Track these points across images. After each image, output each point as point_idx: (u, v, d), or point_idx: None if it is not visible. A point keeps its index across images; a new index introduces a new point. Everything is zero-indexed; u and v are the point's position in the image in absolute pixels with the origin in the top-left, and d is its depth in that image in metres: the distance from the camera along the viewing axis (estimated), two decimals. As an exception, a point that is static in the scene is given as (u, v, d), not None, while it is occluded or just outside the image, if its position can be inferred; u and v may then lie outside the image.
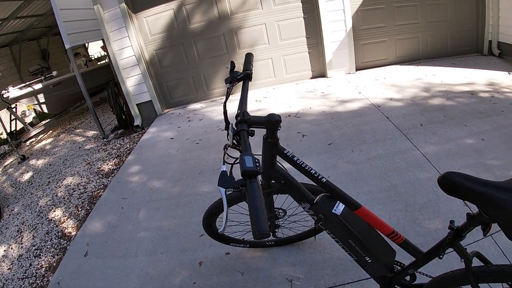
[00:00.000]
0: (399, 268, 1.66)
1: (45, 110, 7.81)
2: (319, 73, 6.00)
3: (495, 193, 1.16)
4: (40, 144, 7.13)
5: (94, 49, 13.20)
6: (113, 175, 4.52)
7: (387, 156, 3.53)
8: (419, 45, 6.29)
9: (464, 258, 1.34)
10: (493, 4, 6.16)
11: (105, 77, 7.94)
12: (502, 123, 4.07)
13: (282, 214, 2.15)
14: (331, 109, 4.76)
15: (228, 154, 1.34)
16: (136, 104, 5.93)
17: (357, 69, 6.06)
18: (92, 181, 4.55)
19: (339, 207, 1.51)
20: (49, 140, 7.20)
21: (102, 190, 4.19)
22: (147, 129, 5.62)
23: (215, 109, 5.56)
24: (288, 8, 5.56)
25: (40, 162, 5.96)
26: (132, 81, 5.76)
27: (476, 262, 1.33)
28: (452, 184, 1.21)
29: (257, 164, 1.11)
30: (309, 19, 5.63)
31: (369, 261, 1.58)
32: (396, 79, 5.60)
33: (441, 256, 1.42)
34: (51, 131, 7.96)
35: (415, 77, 5.62)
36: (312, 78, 6.01)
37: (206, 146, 4.43)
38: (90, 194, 4.23)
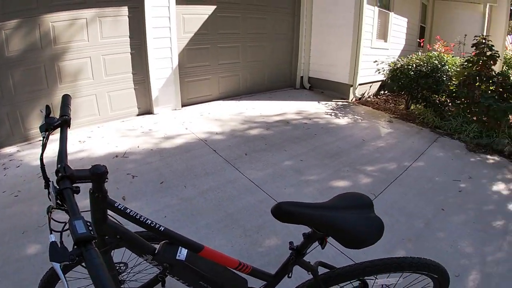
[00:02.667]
0: None
1: None
2: (146, 110, 5.87)
3: (323, 213, 1.38)
4: None
5: None
6: None
7: (218, 187, 3.65)
8: (239, 82, 6.97)
9: (310, 270, 1.47)
10: (305, 46, 7.63)
11: None
12: (316, 145, 4.92)
13: (124, 267, 1.95)
14: (160, 146, 4.69)
15: (53, 219, 1.13)
16: None
17: (183, 105, 6.20)
18: None
19: (183, 253, 1.48)
20: None
21: None
22: None
23: (34, 152, 4.76)
24: (116, 42, 5.31)
25: None
26: None
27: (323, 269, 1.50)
28: (285, 213, 1.36)
29: (90, 227, 0.96)
30: (136, 55, 5.51)
31: None
32: (220, 114, 5.99)
33: (289, 275, 1.52)
34: None
35: (237, 111, 6.14)
36: (138, 115, 5.82)
37: (27, 198, 3.68)
38: None
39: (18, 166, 4.40)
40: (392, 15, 8.09)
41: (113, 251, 1.74)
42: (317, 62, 7.72)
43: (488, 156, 5.12)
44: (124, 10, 5.26)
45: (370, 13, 7.13)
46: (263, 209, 3.23)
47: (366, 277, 1.59)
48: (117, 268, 1.88)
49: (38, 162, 4.12)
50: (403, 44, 9.23)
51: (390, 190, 3.91)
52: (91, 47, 5.16)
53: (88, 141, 4.95)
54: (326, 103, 7.09)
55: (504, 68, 10.40)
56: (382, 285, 1.70)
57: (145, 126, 5.37)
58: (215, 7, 6.23)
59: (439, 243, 3.04)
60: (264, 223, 3.00)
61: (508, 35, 14.38)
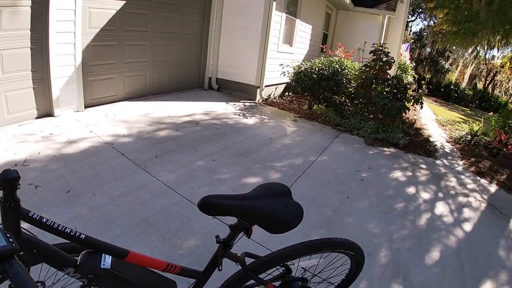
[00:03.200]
0: None
1: None
2: (46, 112, 5.38)
3: (246, 203, 1.50)
4: None
5: None
6: None
7: (130, 192, 3.59)
8: (147, 82, 6.79)
9: (238, 261, 1.58)
10: (214, 47, 7.77)
11: None
12: (226, 144, 5.13)
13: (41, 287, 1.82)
14: (63, 152, 4.39)
15: None
16: None
17: (86, 107, 5.85)
18: None
19: (107, 260, 1.40)
20: None
21: None
22: None
23: None
24: (15, 35, 4.72)
25: None
26: None
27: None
28: (211, 206, 1.43)
29: (11, 239, 0.90)
30: (36, 50, 4.98)
31: None
32: (126, 115, 5.81)
33: (220, 268, 1.59)
34: None
35: (144, 112, 6.04)
36: (38, 117, 5.30)
37: None
38: None
39: None
40: (298, 21, 8.68)
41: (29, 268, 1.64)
42: (226, 64, 7.94)
43: (385, 149, 5.97)
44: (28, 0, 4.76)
45: (278, 18, 7.56)
46: (178, 211, 3.29)
47: (289, 262, 1.72)
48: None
49: None
50: (307, 49, 10.03)
51: (299, 183, 4.33)
52: (-15, 41, 4.58)
53: (-21, 149, 4.46)
54: (234, 104, 7.37)
55: (398, 72, 11.84)
56: (305, 267, 1.89)
57: (46, 130, 4.96)
58: (124, 2, 5.97)
59: (348, 227, 3.53)
60: (181, 225, 3.06)
61: (403, 44, 16.37)
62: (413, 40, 33.47)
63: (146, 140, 4.88)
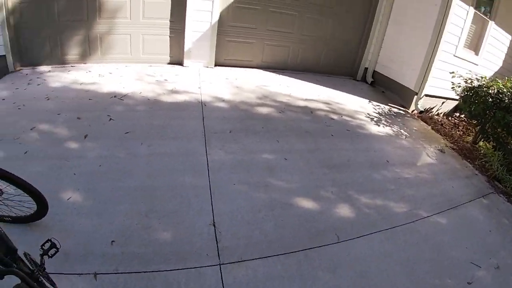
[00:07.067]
0: None
1: None
2: (177, 60, 5.80)
3: None
4: None
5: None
6: None
7: (172, 155, 3.48)
8: (288, 55, 6.38)
9: None
10: (379, 34, 6.40)
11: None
12: (321, 147, 4.15)
13: None
14: (157, 97, 4.62)
15: None
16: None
17: (217, 65, 5.96)
18: None
19: None
20: None
21: None
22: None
23: (60, 76, 5.11)
24: None
25: None
26: (-13, 30, 5.14)
27: None
28: None
29: None
30: (176, 2, 5.38)
31: None
32: (247, 82, 5.60)
33: None
34: None
35: (264, 84, 5.66)
36: (169, 63, 5.79)
37: (27, 112, 3.98)
38: None
39: (39, 84, 4.80)
40: (491, 24, 6.24)
41: None
42: (387, 56, 6.54)
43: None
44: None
45: (461, 12, 5.60)
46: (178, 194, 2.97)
47: None
48: None
49: (56, 85, 4.39)
50: (499, 65, 7.15)
51: (370, 240, 2.87)
52: (132, -13, 5.18)
53: (106, 77, 5.14)
54: (378, 105, 5.98)
55: None
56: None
57: (164, 76, 5.34)
58: (277, -37, 5.59)
59: None
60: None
61: None
62: None
63: (239, 112, 4.59)
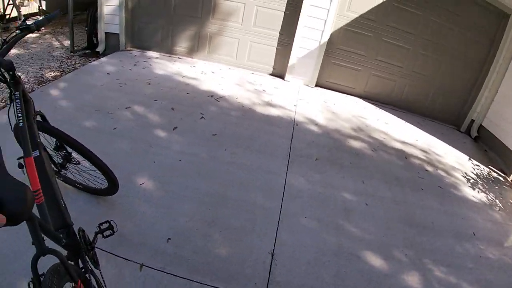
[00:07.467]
0: None
1: (44, 7, 7.91)
2: (279, 73, 5.79)
3: None
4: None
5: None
6: (44, 84, 4.43)
7: (249, 168, 3.38)
8: (393, 90, 5.89)
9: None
10: (492, 86, 5.61)
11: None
12: (408, 200, 3.64)
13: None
14: (252, 106, 4.62)
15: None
16: (105, 32, 5.91)
17: (318, 85, 5.79)
18: (26, 83, 4.42)
19: None
20: (33, 35, 7.29)
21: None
22: (101, 57, 5.60)
23: (165, 64, 5.47)
24: None
25: (12, 51, 5.97)
26: (108, 9, 5.70)
27: None
28: None
29: None
30: (288, 16, 5.39)
31: None
32: (344, 109, 5.30)
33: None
34: (42, 28, 8.05)
35: (362, 115, 5.30)
36: (271, 74, 5.81)
37: (126, 91, 4.35)
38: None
39: (144, 68, 5.14)
40: None
41: None
42: (498, 112, 5.44)
43: None
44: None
45: None
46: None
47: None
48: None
49: (159, 72, 5.08)
50: None
51: None
52: (248, -5, 5.37)
53: (208, 75, 5.34)
54: (477, 166, 5.02)
55: None
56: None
57: (264, 86, 5.34)
58: (393, -6, 5.25)
59: None
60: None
61: None
62: None
63: (329, 140, 4.30)
